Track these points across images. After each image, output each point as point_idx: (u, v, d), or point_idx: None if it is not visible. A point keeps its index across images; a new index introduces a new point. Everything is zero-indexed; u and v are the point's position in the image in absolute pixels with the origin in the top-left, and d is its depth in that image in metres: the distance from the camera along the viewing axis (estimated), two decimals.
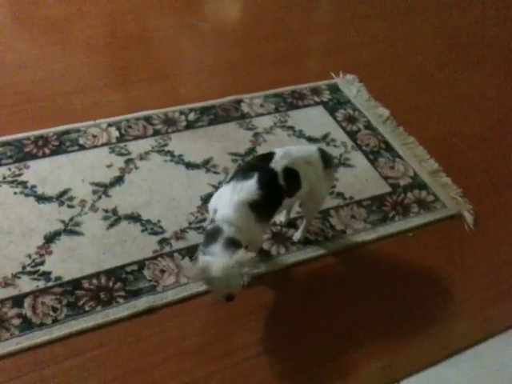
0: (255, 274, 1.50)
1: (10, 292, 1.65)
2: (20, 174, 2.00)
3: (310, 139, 2.36)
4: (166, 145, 2.20)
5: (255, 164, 1.72)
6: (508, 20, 3.59)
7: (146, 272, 1.75)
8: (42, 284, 1.68)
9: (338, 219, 2.04)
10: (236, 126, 2.35)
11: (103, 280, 1.71)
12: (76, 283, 1.70)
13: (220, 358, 1.61)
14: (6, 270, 1.70)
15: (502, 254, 2.07)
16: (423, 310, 1.84)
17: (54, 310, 1.63)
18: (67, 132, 2.19)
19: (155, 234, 1.87)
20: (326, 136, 2.39)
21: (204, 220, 1.92)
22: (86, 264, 1.75)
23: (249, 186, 1.58)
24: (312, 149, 1.79)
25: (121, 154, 2.13)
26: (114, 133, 2.22)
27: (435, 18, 3.48)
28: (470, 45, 3.27)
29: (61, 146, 2.13)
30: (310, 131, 2.40)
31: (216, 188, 2.01)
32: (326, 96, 2.62)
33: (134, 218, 1.91)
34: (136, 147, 2.17)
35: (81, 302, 1.65)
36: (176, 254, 1.81)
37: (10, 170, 2.01)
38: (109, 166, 2.07)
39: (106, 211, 1.91)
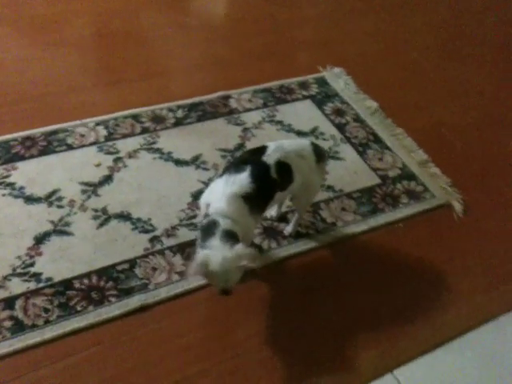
0: (250, 269, 1.51)
1: (0, 294, 1.64)
2: (8, 176, 1.98)
3: (299, 133, 2.36)
4: (154, 142, 2.20)
5: (248, 157, 1.72)
6: (496, 14, 3.60)
7: (137, 270, 1.75)
8: (32, 285, 1.67)
9: (329, 212, 2.05)
10: (225, 122, 2.35)
11: (94, 279, 1.71)
12: (67, 283, 1.69)
13: (214, 354, 1.61)
14: None
15: (492, 242, 2.08)
16: (415, 299, 1.85)
17: (46, 311, 1.62)
18: (55, 132, 2.18)
19: (146, 232, 1.86)
20: (314, 129, 2.40)
21: (195, 217, 1.92)
22: (76, 264, 1.74)
23: (241, 179, 1.58)
24: (305, 142, 1.80)
25: (109, 153, 2.12)
26: (102, 132, 2.20)
27: (423, 11, 3.49)
28: (458, 38, 3.29)
29: (49, 146, 2.12)
30: (299, 125, 2.40)
31: (206, 184, 2.01)
32: (314, 90, 2.62)
33: (124, 216, 1.90)
34: (124, 145, 2.16)
35: (72, 302, 1.64)
36: (167, 252, 1.81)
37: None
38: (97, 165, 2.06)
39: (96, 210, 1.91)
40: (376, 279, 1.89)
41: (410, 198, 2.16)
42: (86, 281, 1.70)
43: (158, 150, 2.17)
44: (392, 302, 1.83)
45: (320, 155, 1.77)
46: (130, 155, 2.13)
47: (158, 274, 1.74)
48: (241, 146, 2.24)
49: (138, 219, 1.90)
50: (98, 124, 2.24)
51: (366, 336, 1.72)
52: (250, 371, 1.59)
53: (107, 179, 2.02)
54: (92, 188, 1.98)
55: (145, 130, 2.24)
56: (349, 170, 2.24)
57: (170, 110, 2.37)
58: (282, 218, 1.97)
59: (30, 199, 1.91)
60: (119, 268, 1.75)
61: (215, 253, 1.43)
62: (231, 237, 1.47)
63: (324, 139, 2.35)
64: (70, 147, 2.12)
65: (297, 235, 1.94)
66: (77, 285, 1.69)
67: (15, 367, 1.51)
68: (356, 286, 1.86)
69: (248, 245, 1.75)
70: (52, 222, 1.85)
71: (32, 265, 1.72)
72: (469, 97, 2.80)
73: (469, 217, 2.15)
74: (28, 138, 2.14)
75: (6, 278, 1.68)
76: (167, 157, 2.14)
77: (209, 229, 1.50)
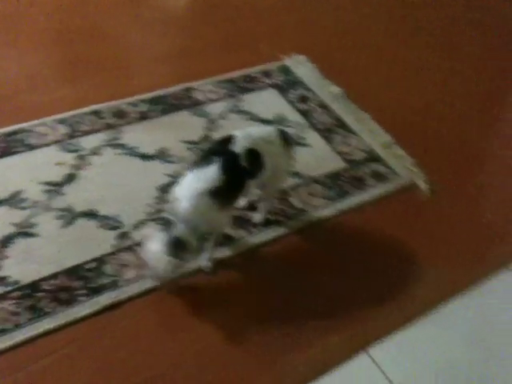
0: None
1: None
2: None
3: (265, 122, 2.35)
4: (118, 138, 2.16)
5: (215, 148, 1.71)
6: None
7: (106, 268, 1.72)
8: None
9: (297, 198, 2.06)
10: (189, 114, 2.33)
11: (62, 280, 1.67)
12: (35, 285, 1.65)
13: (186, 347, 1.60)
14: None
15: (458, 219, 2.13)
16: (386, 278, 1.88)
17: (15, 314, 1.58)
18: (14, 133, 2.12)
19: (113, 228, 1.83)
20: (280, 117, 2.40)
21: (162, 211, 1.90)
22: (43, 265, 1.70)
23: (210, 173, 1.58)
24: (271, 129, 1.82)
25: (72, 151, 2.08)
26: (63, 129, 2.15)
27: None
28: (420, 19, 3.31)
29: (8, 147, 2.06)
30: (264, 114, 2.40)
31: (173, 178, 1.99)
32: (278, 78, 2.62)
33: (90, 214, 1.87)
34: (87, 143, 2.12)
35: (41, 304, 1.61)
36: (136, 248, 1.78)
37: None
38: (60, 164, 2.02)
39: (61, 210, 1.87)
40: (347, 261, 1.91)
41: (376, 180, 2.18)
42: (53, 281, 1.67)
43: (122, 146, 2.13)
44: (364, 282, 1.86)
45: (287, 140, 1.78)
46: (94, 152, 2.09)
47: (128, 271, 1.72)
48: (207, 137, 2.23)
49: (105, 216, 1.87)
50: (58, 122, 2.18)
51: (339, 317, 1.74)
52: (220, 363, 1.59)
53: (71, 178, 1.98)
54: (55, 187, 1.94)
55: (107, 126, 2.20)
56: (315, 156, 2.25)
57: (133, 104, 2.33)
58: (251, 207, 1.97)
59: None
60: (87, 267, 1.71)
61: (153, 246, 1.56)
62: (177, 245, 1.55)
63: (290, 126, 2.35)
64: (31, 147, 2.07)
65: (266, 222, 1.94)
66: (45, 286, 1.65)
67: None
68: (328, 269, 1.88)
69: (220, 236, 1.76)
70: (15, 224, 1.80)
71: None
72: (432, 79, 2.84)
73: (435, 196, 2.18)
74: None
75: None
76: (132, 152, 2.11)
77: (166, 225, 1.58)
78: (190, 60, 2.67)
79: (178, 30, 2.89)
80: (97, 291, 1.66)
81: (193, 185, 1.59)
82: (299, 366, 1.59)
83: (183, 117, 2.31)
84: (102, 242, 1.79)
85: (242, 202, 1.95)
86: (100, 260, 1.74)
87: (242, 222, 1.93)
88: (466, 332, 1.76)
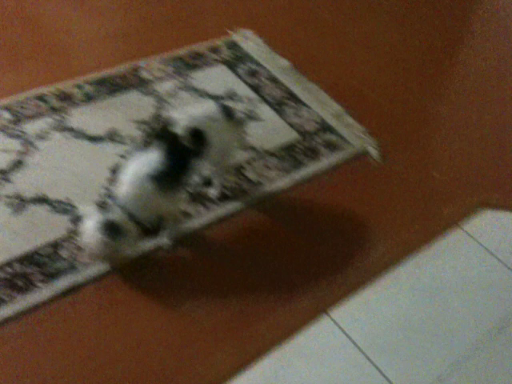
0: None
1: None
2: None
3: (215, 98, 2.34)
4: (64, 121, 2.10)
5: (156, 131, 1.69)
6: None
7: (62, 252, 1.68)
8: None
9: (253, 171, 2.06)
10: (137, 93, 2.28)
11: (17, 267, 1.62)
12: None
13: (145, 328, 1.59)
14: None
15: (408, 182, 2.19)
16: (343, 244, 1.92)
17: None
18: None
19: (66, 212, 1.79)
20: (230, 93, 2.38)
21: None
22: None
23: (152, 157, 1.56)
24: (211, 105, 1.79)
25: (16, 137, 2.00)
26: (6, 116, 2.07)
27: None
28: None
29: None
30: (214, 90, 2.38)
31: (124, 158, 1.95)
32: (226, 53, 2.60)
33: (41, 199, 1.81)
34: (32, 128, 2.05)
35: None
36: None
37: None
38: (5, 151, 1.95)
39: (9, 197, 1.80)
40: (304, 230, 1.94)
41: (329, 150, 2.22)
42: (8, 269, 1.62)
43: (70, 129, 2.07)
44: (321, 249, 1.89)
45: (229, 114, 1.77)
46: (40, 137, 2.02)
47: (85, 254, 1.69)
48: (157, 116, 2.19)
49: (57, 201, 1.82)
50: (1, 109, 2.10)
51: (299, 284, 1.77)
52: (186, 336, 1.59)
53: (18, 164, 1.91)
54: (2, 175, 1.87)
55: (53, 110, 2.13)
56: (268, 129, 2.26)
57: (78, 86, 2.26)
58: (207, 182, 1.96)
59: None
60: (42, 252, 1.67)
61: (88, 224, 1.56)
62: (110, 229, 1.53)
63: (241, 101, 2.35)
64: None
65: (223, 197, 1.94)
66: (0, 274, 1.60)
67: None
68: (286, 239, 1.90)
69: (174, 220, 1.76)
70: None
71: None
72: (377, 50, 2.88)
73: (386, 162, 2.23)
74: None
75: None
76: (80, 135, 2.05)
77: (104, 206, 1.58)
78: (135, 39, 2.61)
79: (120, 8, 2.81)
80: (54, 276, 1.62)
81: (134, 170, 1.58)
82: (265, 334, 1.61)
83: (131, 96, 2.27)
84: (56, 226, 1.75)
85: (196, 178, 1.95)
86: (55, 245, 1.70)
87: (198, 198, 1.92)
88: (421, 289, 1.83)
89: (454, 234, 2.03)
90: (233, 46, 2.65)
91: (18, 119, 2.07)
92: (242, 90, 2.42)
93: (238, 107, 2.26)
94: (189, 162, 1.66)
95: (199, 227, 1.85)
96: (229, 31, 2.73)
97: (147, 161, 1.57)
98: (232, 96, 2.37)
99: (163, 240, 1.76)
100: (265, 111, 2.34)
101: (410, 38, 3.01)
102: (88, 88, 2.26)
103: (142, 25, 2.69)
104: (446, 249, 1.96)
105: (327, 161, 2.16)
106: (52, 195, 1.83)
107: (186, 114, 1.67)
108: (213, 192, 1.92)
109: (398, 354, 1.63)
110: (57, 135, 2.04)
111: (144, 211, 1.60)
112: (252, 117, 2.29)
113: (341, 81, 2.61)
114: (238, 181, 2.02)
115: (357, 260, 1.88)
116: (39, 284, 1.59)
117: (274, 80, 2.50)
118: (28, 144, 1.98)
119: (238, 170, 2.05)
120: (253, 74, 2.52)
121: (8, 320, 1.52)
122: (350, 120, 2.37)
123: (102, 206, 1.63)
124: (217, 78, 2.46)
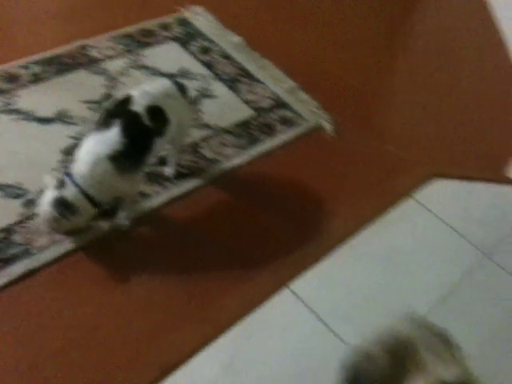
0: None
1: None
2: None
3: (168, 76, 2.29)
4: (11, 103, 2.02)
5: (114, 110, 1.65)
6: None
7: (15, 237, 1.64)
8: None
9: (209, 149, 2.06)
10: (87, 73, 2.22)
11: None
12: None
13: (105, 309, 1.58)
14: None
15: (362, 155, 2.24)
16: (300, 217, 1.95)
17: None
18: None
19: (17, 197, 1.74)
20: (183, 70, 2.35)
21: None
22: None
23: (110, 137, 1.53)
24: (166, 82, 1.77)
25: None
26: None
27: None
28: None
29: None
30: (167, 68, 2.34)
31: (77, 139, 1.90)
32: (177, 30, 2.55)
33: None
34: None
35: None
36: None
37: None
38: None
39: None
40: (262, 205, 1.97)
41: (284, 125, 2.23)
42: None
43: (17, 111, 2.00)
44: (279, 223, 1.92)
45: (184, 90, 1.76)
46: None
47: (40, 237, 1.65)
48: (108, 95, 2.14)
49: (7, 185, 1.76)
50: None
51: (259, 259, 1.79)
52: (147, 316, 1.59)
53: None
54: None
55: None
56: (223, 106, 2.25)
57: (23, 67, 2.17)
58: (161, 161, 1.94)
59: None
60: None
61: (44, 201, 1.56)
62: (62, 206, 1.53)
63: (194, 79, 2.33)
64: None
65: (179, 175, 1.93)
66: None
67: None
68: (243, 215, 1.92)
69: (133, 201, 1.74)
70: None
71: None
72: (333, 26, 2.89)
73: (340, 136, 2.27)
74: None
75: None
76: (28, 116, 1.98)
77: (60, 184, 1.55)
78: (82, 17, 2.52)
79: None
80: (9, 261, 1.58)
81: (93, 149, 1.55)
82: (227, 309, 1.63)
83: (80, 76, 2.20)
84: (7, 211, 1.69)
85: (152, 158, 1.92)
86: (8, 230, 1.65)
87: (154, 177, 1.90)
88: (377, 257, 1.89)
89: (407, 203, 2.09)
90: (184, 22, 2.61)
91: None
92: (195, 67, 2.40)
93: (192, 85, 2.23)
94: (149, 141, 1.63)
95: (157, 206, 1.84)
96: (179, 8, 2.68)
97: (105, 140, 1.54)
98: (185, 74, 2.34)
99: (121, 220, 1.74)
100: (219, 88, 2.32)
101: (368, 17, 3.04)
102: (35, 68, 2.17)
103: (90, 2, 2.60)
104: (399, 218, 2.03)
105: (283, 136, 2.18)
106: (1, 180, 1.77)
107: (144, 91, 1.64)
108: (169, 170, 1.91)
109: (357, 319, 1.68)
110: (4, 118, 1.96)
111: (101, 192, 1.58)
112: (206, 94, 2.27)
113: (295, 57, 2.62)
114: (194, 159, 2.01)
115: (315, 233, 1.92)
116: None
117: (226, 57, 2.49)
118: None
119: (194, 148, 2.04)
120: (205, 51, 2.49)
121: None
122: (304, 96, 2.39)
123: (58, 180, 1.59)
124: (169, 56, 2.42)
